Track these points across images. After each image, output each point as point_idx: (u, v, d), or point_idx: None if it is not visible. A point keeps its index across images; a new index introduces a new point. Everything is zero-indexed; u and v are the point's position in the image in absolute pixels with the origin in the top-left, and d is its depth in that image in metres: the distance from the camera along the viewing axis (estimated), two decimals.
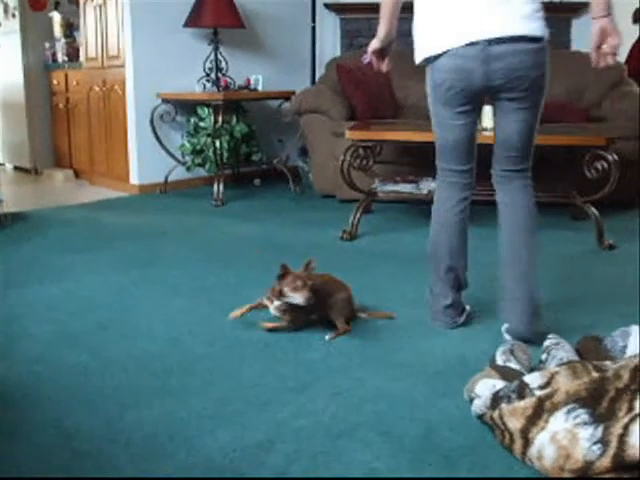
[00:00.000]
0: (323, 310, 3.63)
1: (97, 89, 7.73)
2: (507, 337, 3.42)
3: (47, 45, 8.79)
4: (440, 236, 3.59)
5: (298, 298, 3.43)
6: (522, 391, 2.51)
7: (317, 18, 8.26)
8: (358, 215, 5.51)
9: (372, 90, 7.03)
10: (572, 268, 4.67)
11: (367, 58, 3.79)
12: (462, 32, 3.18)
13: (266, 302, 3.60)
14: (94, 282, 4.36)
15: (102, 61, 7.64)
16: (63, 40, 8.64)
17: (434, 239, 3.62)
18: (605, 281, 4.45)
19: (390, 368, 3.18)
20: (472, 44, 3.15)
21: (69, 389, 2.96)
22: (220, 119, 6.81)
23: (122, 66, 7.24)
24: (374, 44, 3.73)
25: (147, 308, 3.92)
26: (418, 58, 3.41)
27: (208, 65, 7.28)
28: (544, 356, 2.94)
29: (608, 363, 2.59)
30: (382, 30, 3.66)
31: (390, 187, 5.73)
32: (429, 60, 3.33)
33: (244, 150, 7.31)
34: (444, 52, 3.23)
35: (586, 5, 7.81)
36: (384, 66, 3.85)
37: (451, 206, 3.55)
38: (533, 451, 2.37)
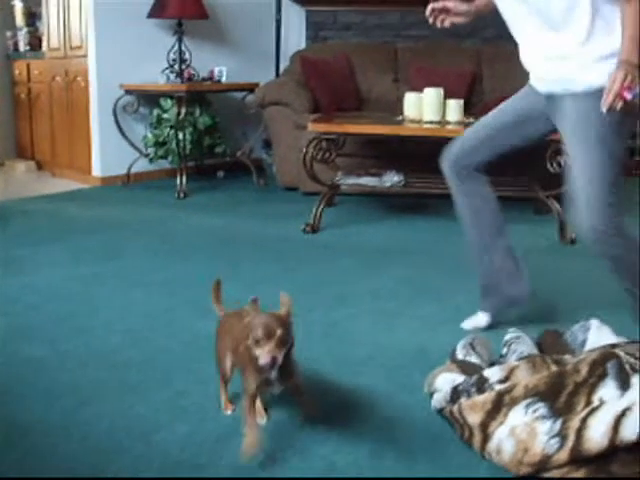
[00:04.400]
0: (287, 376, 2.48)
1: (59, 79, 7.65)
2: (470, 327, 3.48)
3: (9, 34, 8.69)
4: None
5: (264, 357, 2.28)
6: (482, 385, 2.50)
7: (282, 10, 8.22)
8: (321, 208, 5.49)
9: (336, 83, 7.02)
10: (533, 262, 4.66)
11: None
12: None
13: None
14: (54, 275, 4.32)
15: (65, 51, 7.55)
16: (25, 29, 8.54)
17: None
18: (566, 275, 4.47)
19: (351, 362, 3.17)
20: None
21: (25, 383, 2.92)
22: (183, 111, 6.75)
23: (85, 56, 7.15)
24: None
25: (107, 301, 3.88)
26: None
27: (172, 56, 7.21)
28: (504, 350, 2.94)
29: (568, 357, 2.60)
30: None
31: (353, 180, 5.72)
32: None
33: (207, 142, 7.26)
34: None
35: None
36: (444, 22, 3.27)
37: None
38: (492, 445, 2.37)
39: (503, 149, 3.35)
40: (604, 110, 2.75)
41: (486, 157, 3.37)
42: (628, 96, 2.70)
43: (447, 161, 3.41)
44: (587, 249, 3.10)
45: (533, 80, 3.18)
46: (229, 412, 2.71)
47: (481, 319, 3.57)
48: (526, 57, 3.13)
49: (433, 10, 3.25)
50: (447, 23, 3.27)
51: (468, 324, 3.57)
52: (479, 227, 3.47)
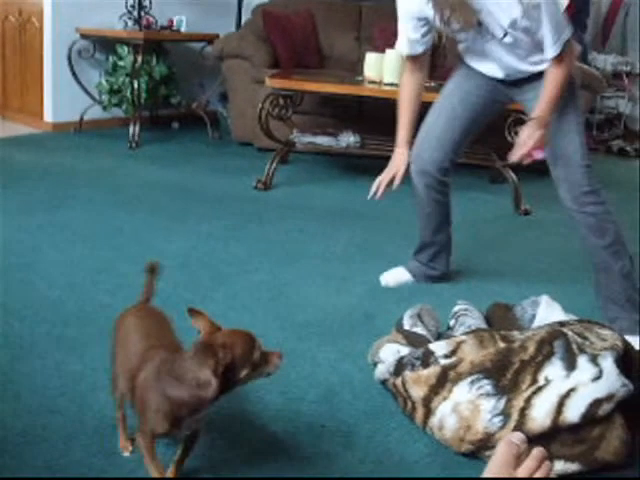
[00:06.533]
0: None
1: (12, 19, 7.42)
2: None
3: None
4: None
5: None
6: (427, 359, 2.46)
7: None
8: (274, 165, 5.40)
9: (297, 39, 6.91)
10: (486, 232, 4.66)
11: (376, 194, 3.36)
12: None
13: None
14: None
15: None
16: None
17: None
18: (519, 247, 4.44)
19: (295, 326, 3.12)
20: None
21: None
22: (140, 59, 6.60)
23: None
24: (396, 166, 3.38)
25: (50, 253, 3.77)
26: None
27: (130, 2, 7.03)
28: (452, 322, 2.91)
29: (515, 333, 2.56)
30: (402, 131, 3.42)
31: (308, 138, 5.64)
32: None
33: (163, 92, 7.12)
34: None
35: None
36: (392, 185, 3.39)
37: None
38: (434, 421, 2.33)
39: (475, 133, 3.52)
40: (511, 160, 3.12)
41: (463, 148, 3.54)
42: (538, 156, 3.01)
43: (430, 170, 3.44)
44: (567, 213, 3.21)
45: (492, 72, 3.30)
46: (127, 454, 2.20)
47: (405, 276, 3.70)
48: (491, 67, 3.28)
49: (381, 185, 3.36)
50: (397, 184, 3.35)
51: (390, 279, 3.69)
52: (431, 219, 3.58)
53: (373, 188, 3.35)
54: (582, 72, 5.93)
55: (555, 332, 2.38)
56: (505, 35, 2.98)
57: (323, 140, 5.61)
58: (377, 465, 2.24)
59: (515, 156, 3.06)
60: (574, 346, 2.34)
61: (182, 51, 7.56)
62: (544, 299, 2.88)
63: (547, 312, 2.80)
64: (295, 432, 2.36)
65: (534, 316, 2.86)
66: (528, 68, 3.15)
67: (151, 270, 2.32)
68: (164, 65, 7.06)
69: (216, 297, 3.35)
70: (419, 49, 3.30)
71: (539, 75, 3.10)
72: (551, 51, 2.96)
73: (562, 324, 2.52)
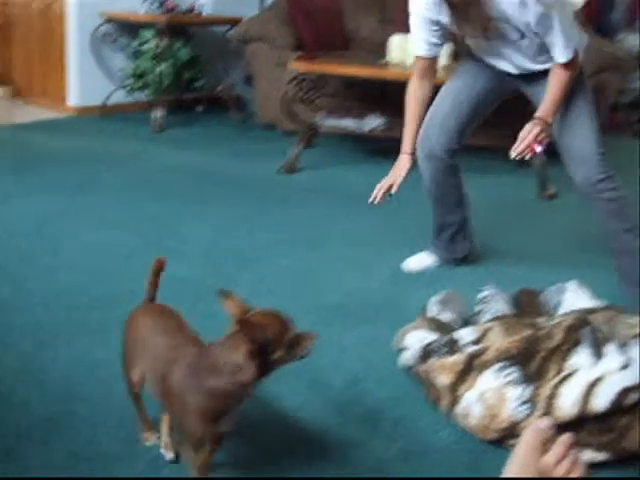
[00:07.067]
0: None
1: (36, 4, 7.43)
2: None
3: None
4: None
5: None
6: (453, 346, 2.44)
7: None
8: (299, 148, 5.38)
9: (322, 21, 6.86)
10: (512, 216, 4.61)
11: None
12: None
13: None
14: (20, 207, 4.20)
15: None
16: None
17: None
18: (545, 232, 4.40)
19: (322, 310, 3.11)
20: None
21: None
22: (163, 43, 6.60)
23: None
24: (397, 173, 3.38)
25: (73, 238, 3.78)
26: None
27: None
28: (479, 307, 2.87)
29: (542, 320, 2.54)
30: (408, 138, 3.42)
31: (333, 121, 5.61)
32: None
33: (187, 76, 7.09)
34: None
35: None
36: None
37: None
38: (460, 409, 2.32)
39: (483, 116, 3.53)
40: (512, 156, 3.10)
41: (470, 131, 3.51)
42: (538, 149, 3.08)
43: (438, 153, 3.45)
44: (583, 199, 3.29)
45: (501, 67, 3.32)
46: (149, 443, 2.19)
47: (428, 260, 3.71)
48: (501, 63, 3.30)
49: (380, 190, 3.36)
50: (394, 191, 3.36)
51: (413, 264, 3.68)
52: (443, 202, 3.61)
53: (374, 193, 3.35)
54: (610, 53, 5.88)
55: (582, 319, 2.36)
56: (520, 38, 3.05)
57: (348, 123, 5.58)
58: (402, 452, 2.24)
59: (516, 151, 3.08)
60: (601, 334, 2.32)
61: (206, 34, 7.54)
62: (572, 285, 2.84)
63: (574, 298, 2.76)
64: (322, 418, 2.36)
65: (560, 303, 2.83)
66: (536, 66, 3.20)
67: (157, 269, 2.26)
68: (188, 49, 7.03)
69: (241, 282, 3.34)
70: (437, 50, 3.29)
71: (546, 72, 3.15)
72: (561, 57, 3.01)
73: (589, 311, 2.50)
